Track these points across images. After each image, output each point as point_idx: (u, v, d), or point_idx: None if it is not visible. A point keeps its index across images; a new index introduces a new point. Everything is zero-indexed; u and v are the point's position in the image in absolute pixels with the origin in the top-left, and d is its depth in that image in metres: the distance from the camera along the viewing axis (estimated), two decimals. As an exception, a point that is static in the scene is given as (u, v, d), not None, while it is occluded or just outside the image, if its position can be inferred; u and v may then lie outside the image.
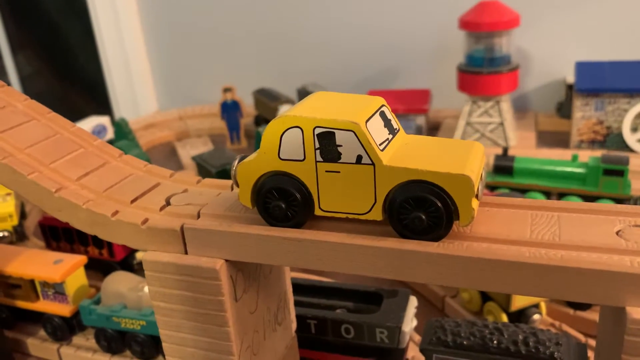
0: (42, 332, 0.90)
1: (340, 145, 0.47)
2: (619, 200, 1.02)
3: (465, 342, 0.60)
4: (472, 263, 0.44)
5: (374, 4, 1.74)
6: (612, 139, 1.36)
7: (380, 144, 0.47)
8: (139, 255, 1.05)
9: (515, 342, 0.59)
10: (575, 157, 1.08)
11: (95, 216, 0.55)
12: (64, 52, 2.53)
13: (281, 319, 0.64)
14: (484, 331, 0.60)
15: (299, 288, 0.76)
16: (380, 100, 0.51)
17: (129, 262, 1.05)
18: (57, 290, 0.87)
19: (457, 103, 1.55)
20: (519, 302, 0.79)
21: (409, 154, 0.48)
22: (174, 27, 2.08)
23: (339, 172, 0.48)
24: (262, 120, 1.70)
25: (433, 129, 1.59)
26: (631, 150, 1.33)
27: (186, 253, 0.53)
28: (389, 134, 0.49)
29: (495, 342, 0.59)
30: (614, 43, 1.54)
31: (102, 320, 0.82)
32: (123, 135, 1.52)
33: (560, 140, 1.44)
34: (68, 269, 0.86)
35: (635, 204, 1.00)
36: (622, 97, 1.31)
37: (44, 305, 0.88)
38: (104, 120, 1.59)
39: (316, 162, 0.48)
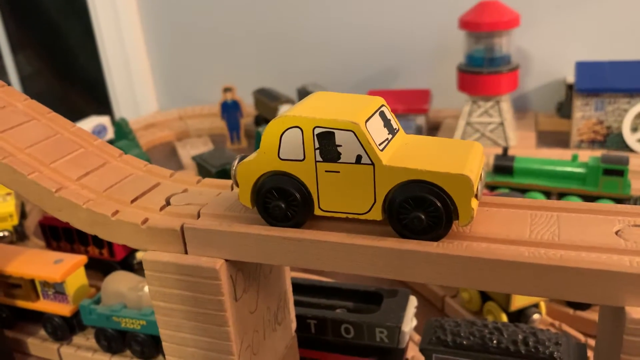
0: (42, 332, 0.90)
1: (340, 145, 0.47)
2: (618, 200, 1.02)
3: (464, 342, 0.60)
4: (471, 263, 0.45)
5: (374, 4, 1.74)
6: (612, 139, 1.36)
7: (379, 144, 0.47)
8: (139, 255, 1.05)
9: (515, 342, 0.59)
10: (575, 157, 1.08)
11: (96, 216, 0.55)
12: (64, 52, 2.53)
13: (281, 319, 0.64)
14: (484, 331, 0.60)
15: (299, 288, 0.76)
16: (380, 100, 0.51)
17: (129, 262, 1.05)
18: (57, 290, 0.87)
19: (457, 103, 1.55)
20: (518, 302, 0.79)
21: (408, 153, 0.48)
22: (174, 27, 2.08)
23: (338, 172, 0.48)
24: (262, 120, 1.70)
25: (433, 129, 1.59)
26: (631, 150, 1.33)
27: (186, 253, 0.53)
28: (388, 134, 0.49)
29: (494, 341, 0.59)
30: (614, 43, 1.53)
31: (102, 320, 0.82)
32: (123, 135, 1.52)
33: (560, 140, 1.44)
34: (68, 268, 0.86)
35: (635, 204, 1.00)
36: (622, 97, 1.32)
37: (44, 305, 0.88)
38: (104, 120, 1.59)
39: (316, 162, 0.48)
